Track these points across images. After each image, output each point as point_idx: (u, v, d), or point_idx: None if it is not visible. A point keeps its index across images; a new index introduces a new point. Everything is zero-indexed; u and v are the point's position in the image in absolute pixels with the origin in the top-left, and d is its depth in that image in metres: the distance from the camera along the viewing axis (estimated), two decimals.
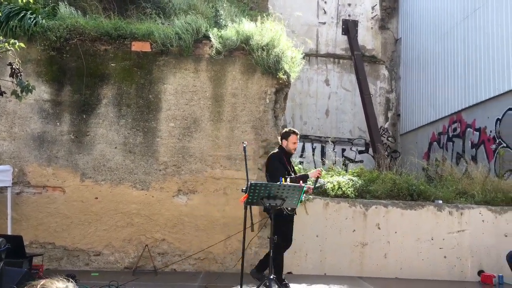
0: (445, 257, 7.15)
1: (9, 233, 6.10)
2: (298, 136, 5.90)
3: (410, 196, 7.49)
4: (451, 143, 12.15)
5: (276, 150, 6.03)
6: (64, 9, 7.47)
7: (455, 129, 12.03)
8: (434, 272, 7.09)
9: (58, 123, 7.08)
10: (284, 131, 6.00)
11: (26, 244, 6.15)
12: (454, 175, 8.85)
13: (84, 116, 7.11)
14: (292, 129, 5.98)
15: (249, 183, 4.86)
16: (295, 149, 5.85)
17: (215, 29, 7.44)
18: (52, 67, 7.16)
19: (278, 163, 5.64)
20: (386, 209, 7.22)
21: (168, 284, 5.81)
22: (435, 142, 12.92)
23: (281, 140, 5.92)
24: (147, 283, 5.67)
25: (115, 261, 6.87)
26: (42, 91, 7.06)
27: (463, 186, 8.04)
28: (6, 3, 6.84)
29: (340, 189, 7.41)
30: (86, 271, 6.54)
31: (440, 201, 7.42)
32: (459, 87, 11.77)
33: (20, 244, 5.08)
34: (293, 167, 5.97)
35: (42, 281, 1.25)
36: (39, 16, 7.21)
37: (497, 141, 10.28)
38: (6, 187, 6.43)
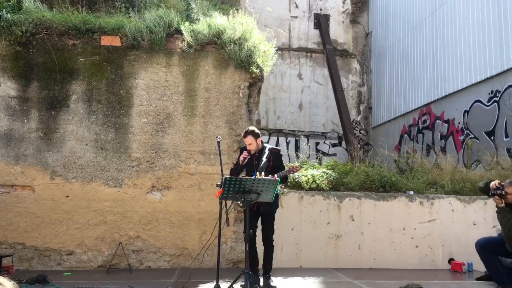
0: (416, 246, 7.32)
1: None
2: (247, 137, 5.57)
3: (383, 187, 7.63)
4: (421, 135, 12.44)
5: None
6: (29, 3, 7.23)
7: (425, 121, 12.32)
8: (406, 262, 7.26)
9: (25, 120, 6.87)
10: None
11: None
12: (424, 166, 9.08)
13: (53, 113, 6.93)
14: (246, 129, 5.70)
15: (223, 178, 4.84)
16: (251, 149, 5.60)
17: (187, 23, 7.35)
18: (18, 63, 6.93)
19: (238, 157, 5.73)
20: (359, 201, 7.33)
21: (143, 281, 5.75)
22: (406, 134, 13.20)
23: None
24: (122, 281, 5.59)
25: (88, 260, 6.75)
26: (8, 87, 6.83)
27: (433, 177, 8.24)
28: None
29: (314, 182, 7.48)
30: (58, 271, 6.40)
31: (412, 192, 7.59)
32: (429, 80, 12.04)
33: None
34: (272, 162, 5.62)
35: None
36: (3, 10, 6.96)
37: (465, 133, 10.59)
38: None
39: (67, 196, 6.78)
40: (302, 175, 7.53)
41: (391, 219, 7.34)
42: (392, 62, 14.02)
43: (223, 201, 5.12)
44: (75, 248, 6.74)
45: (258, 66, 7.33)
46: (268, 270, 5.64)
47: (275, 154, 5.70)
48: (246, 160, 5.54)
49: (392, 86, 13.92)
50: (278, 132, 14.34)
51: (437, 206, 7.44)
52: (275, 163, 5.62)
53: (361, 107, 15.27)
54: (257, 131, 5.71)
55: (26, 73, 6.95)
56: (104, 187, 6.87)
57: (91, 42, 7.07)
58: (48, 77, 6.96)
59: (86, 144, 6.93)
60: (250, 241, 5.23)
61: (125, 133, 7.00)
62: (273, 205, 5.59)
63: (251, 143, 5.59)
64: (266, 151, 5.62)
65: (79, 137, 6.92)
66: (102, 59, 7.09)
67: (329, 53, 14.33)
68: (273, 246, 5.68)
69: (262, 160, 5.51)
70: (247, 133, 5.63)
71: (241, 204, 5.08)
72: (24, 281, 5.41)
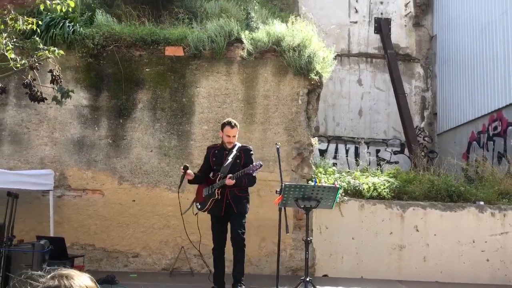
0: (487, 260, 6.89)
1: (51, 235, 6.31)
2: (234, 129, 5.23)
3: (449, 197, 7.27)
4: (492, 142, 11.72)
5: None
6: (100, 17, 7.69)
7: (495, 128, 11.60)
8: (476, 276, 6.85)
9: (96, 128, 7.28)
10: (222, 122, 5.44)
11: (68, 246, 6.34)
12: (496, 175, 8.53)
13: (121, 121, 7.29)
14: (229, 119, 5.39)
15: (283, 184, 4.84)
16: (230, 143, 5.23)
17: (247, 31, 7.47)
18: (90, 74, 7.38)
19: (204, 157, 5.45)
20: (424, 210, 7.03)
21: (205, 285, 5.85)
22: (475, 142, 12.50)
23: (220, 131, 5.45)
24: (184, 285, 5.74)
25: (153, 263, 6.99)
26: (80, 97, 7.28)
27: (506, 187, 7.73)
28: (46, 13, 7.09)
29: (375, 191, 7.27)
30: (125, 272, 6.68)
31: (482, 203, 7.16)
32: (499, 84, 11.35)
33: (62, 246, 5.26)
34: (244, 160, 5.24)
35: (72, 272, 1.29)
36: (77, 24, 7.45)
37: None
38: (48, 190, 6.67)
39: (134, 201, 7.08)
40: (363, 183, 7.35)
41: (459, 230, 6.96)
42: (459, 66, 13.38)
43: (283, 208, 5.11)
44: (141, 250, 7.01)
45: (317, 73, 7.29)
46: (239, 279, 5.03)
47: (246, 152, 5.32)
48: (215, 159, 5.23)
49: (459, 91, 13.27)
50: (337, 139, 14.12)
51: (510, 217, 6.96)
52: (246, 161, 5.21)
53: (425, 113, 14.67)
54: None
55: (97, 83, 7.37)
56: (167, 192, 7.10)
57: (156, 52, 7.38)
58: (116, 87, 7.34)
59: (151, 151, 7.22)
60: (219, 249, 5.07)
61: (187, 140, 7.21)
62: (245, 204, 5.27)
63: (234, 136, 5.22)
64: (234, 151, 5.20)
65: (144, 144, 7.22)
66: (166, 69, 7.37)
67: (391, 58, 13.93)
68: (245, 246, 5.14)
69: (227, 160, 5.11)
70: (233, 125, 5.21)
71: (199, 207, 5.09)
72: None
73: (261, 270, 6.89)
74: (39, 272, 1.29)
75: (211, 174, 5.35)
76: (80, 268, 6.17)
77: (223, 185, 5.09)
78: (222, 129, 5.31)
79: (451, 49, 13.90)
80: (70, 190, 7.12)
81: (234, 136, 5.23)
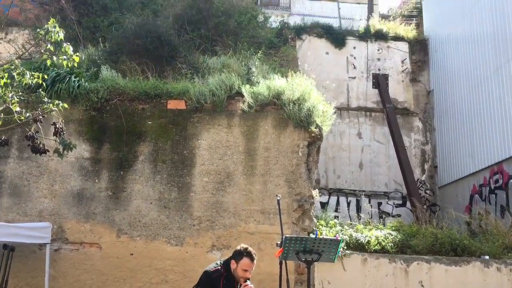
0: None
1: None
2: (254, 261, 4.25)
3: (454, 251, 7.12)
4: (494, 195, 11.64)
5: (218, 264, 4.38)
6: (105, 72, 7.92)
7: (497, 181, 11.57)
8: None
9: (97, 180, 7.28)
10: (237, 249, 4.33)
11: None
12: (500, 228, 8.40)
13: (122, 173, 7.30)
14: (249, 249, 4.27)
15: (283, 237, 4.77)
16: (245, 279, 4.17)
17: (247, 85, 7.66)
18: (93, 126, 7.48)
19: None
20: (429, 265, 6.86)
21: None
22: (477, 195, 12.41)
23: (231, 260, 4.31)
24: None
25: None
26: (82, 150, 7.34)
27: (510, 241, 7.59)
28: (52, 68, 7.31)
29: (379, 244, 7.14)
30: None
31: (487, 257, 7.00)
32: (498, 137, 11.45)
33: None
34: None
35: None
36: (83, 79, 7.66)
37: None
38: (46, 243, 6.55)
39: (132, 254, 6.94)
40: (366, 236, 7.23)
41: (465, 286, 6.76)
42: (457, 119, 13.56)
43: (284, 262, 4.99)
44: None
45: (317, 126, 7.39)
46: None
47: None
48: None
49: (459, 144, 13.36)
50: (338, 191, 14.04)
51: None
52: None
53: (426, 166, 14.69)
54: None
55: (99, 136, 7.46)
56: (166, 246, 6.98)
57: (159, 106, 7.53)
58: (118, 140, 7.41)
59: (151, 203, 7.17)
60: None
61: (187, 191, 7.18)
62: None
63: (247, 270, 4.21)
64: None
65: (144, 196, 7.18)
66: (168, 122, 7.48)
67: (389, 112, 14.17)
68: None
69: None
70: (253, 257, 4.22)
71: None
72: None
73: None
74: None
75: None
76: None
77: None
78: (237, 260, 4.23)
79: (449, 102, 14.16)
80: (68, 243, 7.00)
81: (248, 271, 4.21)
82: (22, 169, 7.27)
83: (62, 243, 6.99)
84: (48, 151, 5.76)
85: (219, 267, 4.31)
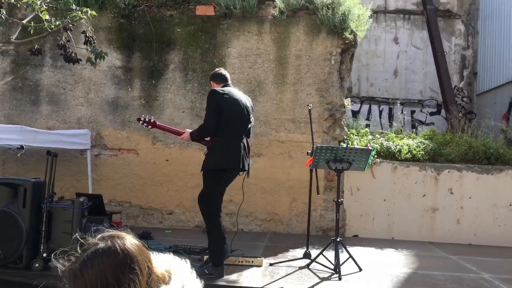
0: None
1: (90, 192, 6.57)
2: None
3: (487, 160, 7.06)
4: None
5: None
6: None
7: None
8: (511, 239, 6.72)
9: (129, 89, 7.38)
10: (218, 72, 4.80)
11: (106, 203, 6.58)
12: None
13: (153, 82, 7.34)
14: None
15: (314, 146, 4.82)
16: None
17: None
18: (122, 34, 7.40)
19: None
20: (460, 173, 6.88)
21: (237, 242, 6.01)
22: None
23: (211, 81, 4.79)
24: None
25: (186, 220, 7.20)
26: (114, 58, 7.34)
27: None
28: None
29: (410, 153, 7.14)
30: (160, 229, 6.94)
31: None
32: None
33: (100, 202, 5.45)
34: None
35: (121, 233, 1.32)
36: None
37: None
38: (86, 149, 6.90)
39: (167, 160, 7.23)
40: (397, 145, 7.22)
41: (495, 193, 6.80)
42: (503, 22, 12.62)
43: (314, 169, 5.11)
44: (175, 208, 7.22)
45: (351, 31, 7.05)
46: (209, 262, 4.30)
47: None
48: None
49: (503, 48, 12.59)
50: (371, 100, 13.80)
51: None
52: None
53: (465, 73, 14.07)
54: None
55: (129, 44, 7.40)
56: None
57: (187, 12, 7.29)
58: (148, 48, 7.35)
59: (183, 112, 7.28)
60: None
61: None
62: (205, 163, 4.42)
63: None
64: None
65: (176, 105, 7.28)
66: (197, 29, 7.30)
67: (430, 14, 13.27)
68: (209, 214, 4.33)
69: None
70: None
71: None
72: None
73: (292, 230, 7.00)
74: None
75: None
76: (118, 224, 6.44)
77: None
78: (218, 82, 4.70)
79: (496, 3, 13.09)
80: (106, 150, 7.33)
81: None
82: (57, 77, 7.41)
83: (101, 149, 7.33)
84: (81, 60, 5.79)
85: None
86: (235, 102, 4.44)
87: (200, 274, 1.45)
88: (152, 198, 7.23)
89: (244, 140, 4.46)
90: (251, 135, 4.64)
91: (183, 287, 1.29)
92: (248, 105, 4.61)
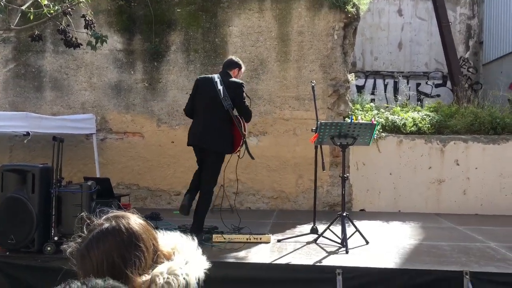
0: None
1: (97, 176, 6.64)
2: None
3: (493, 130, 7.02)
4: None
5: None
6: None
7: None
8: None
9: (132, 72, 7.36)
10: (233, 60, 5.18)
11: (114, 186, 6.64)
12: None
13: (156, 64, 7.32)
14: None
15: (319, 122, 4.81)
16: None
17: None
18: (122, 17, 7.35)
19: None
20: (466, 144, 6.86)
21: (244, 220, 6.07)
22: None
23: (232, 69, 5.11)
24: (226, 220, 5.96)
25: (194, 200, 7.26)
26: (115, 41, 7.31)
27: None
28: None
29: (415, 126, 7.11)
30: (169, 209, 7.01)
31: None
32: None
33: (108, 186, 5.50)
34: None
35: (125, 213, 1.34)
36: None
37: None
38: (92, 134, 6.94)
39: (172, 142, 7.27)
40: (402, 118, 7.18)
41: (502, 163, 6.78)
42: None
43: (319, 146, 5.11)
44: (182, 189, 7.26)
45: (354, 5, 6.95)
46: (194, 228, 4.76)
47: None
48: None
49: (509, 17, 12.34)
50: (375, 74, 13.67)
51: None
52: None
53: (470, 43, 13.86)
54: None
55: (130, 26, 7.35)
56: None
57: None
58: (148, 30, 7.30)
59: (187, 93, 7.25)
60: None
61: None
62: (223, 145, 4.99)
63: None
64: None
65: (179, 86, 7.27)
66: (197, 8, 7.22)
67: None
68: (208, 195, 5.00)
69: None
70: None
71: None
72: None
73: (299, 206, 7.05)
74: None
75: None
76: (127, 206, 6.52)
77: None
78: (239, 68, 5.16)
79: None
80: (112, 133, 7.37)
81: None
82: (59, 63, 7.41)
83: (106, 133, 7.37)
84: (81, 44, 5.77)
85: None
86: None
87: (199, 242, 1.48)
88: (159, 180, 7.29)
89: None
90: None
91: (187, 264, 1.32)
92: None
